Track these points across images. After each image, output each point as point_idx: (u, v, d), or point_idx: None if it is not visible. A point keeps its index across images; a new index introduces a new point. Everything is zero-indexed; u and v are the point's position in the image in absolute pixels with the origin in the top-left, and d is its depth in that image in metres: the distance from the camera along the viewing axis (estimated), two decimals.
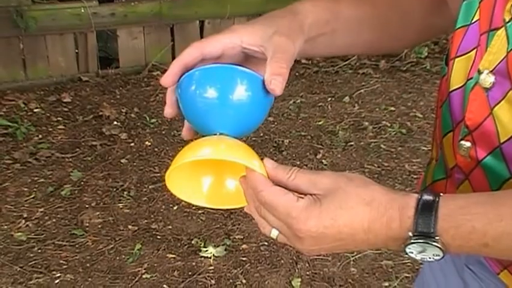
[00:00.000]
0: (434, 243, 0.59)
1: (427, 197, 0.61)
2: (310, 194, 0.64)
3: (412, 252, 0.62)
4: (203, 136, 0.71)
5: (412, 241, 0.60)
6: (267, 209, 0.65)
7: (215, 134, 0.70)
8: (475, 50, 0.70)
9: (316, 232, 0.62)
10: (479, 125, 0.68)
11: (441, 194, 0.61)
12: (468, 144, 0.70)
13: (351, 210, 0.61)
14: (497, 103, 0.65)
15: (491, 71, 0.66)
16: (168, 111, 0.75)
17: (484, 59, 0.67)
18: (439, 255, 0.61)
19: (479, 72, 0.67)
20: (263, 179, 0.65)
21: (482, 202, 0.60)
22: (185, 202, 0.73)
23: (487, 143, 0.68)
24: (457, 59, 0.72)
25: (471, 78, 0.69)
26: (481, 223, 0.58)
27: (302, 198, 0.63)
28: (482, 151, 0.69)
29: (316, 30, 0.77)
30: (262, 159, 0.68)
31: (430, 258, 0.62)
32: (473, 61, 0.70)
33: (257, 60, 0.75)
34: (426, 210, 0.60)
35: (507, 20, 0.65)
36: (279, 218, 0.64)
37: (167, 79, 0.72)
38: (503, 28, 0.65)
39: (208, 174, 0.74)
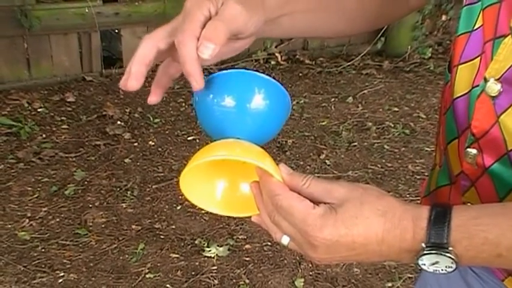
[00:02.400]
0: (447, 254, 0.59)
1: (439, 208, 0.61)
2: (324, 203, 0.63)
3: (424, 264, 0.62)
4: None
5: (425, 252, 0.60)
6: (282, 214, 0.64)
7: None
8: (479, 58, 0.70)
9: (331, 241, 0.62)
10: (486, 133, 0.68)
11: (454, 205, 0.62)
12: (475, 151, 0.70)
13: (366, 221, 0.61)
14: (504, 111, 0.65)
15: (498, 79, 0.66)
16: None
17: (491, 67, 0.67)
18: (451, 267, 0.61)
19: (486, 80, 0.67)
20: (280, 184, 0.65)
21: (495, 213, 0.60)
22: (189, 202, 0.72)
23: (494, 150, 0.68)
24: (460, 66, 0.72)
25: (477, 86, 0.69)
26: (494, 234, 0.58)
27: (318, 206, 0.63)
28: (490, 158, 0.69)
29: (278, 11, 0.75)
30: (277, 164, 0.67)
31: (442, 270, 0.62)
32: (478, 69, 0.69)
33: None
34: (439, 221, 0.60)
35: None
36: (293, 224, 0.63)
37: (135, 83, 0.69)
38: (509, 36, 0.65)
39: (222, 181, 0.73)
